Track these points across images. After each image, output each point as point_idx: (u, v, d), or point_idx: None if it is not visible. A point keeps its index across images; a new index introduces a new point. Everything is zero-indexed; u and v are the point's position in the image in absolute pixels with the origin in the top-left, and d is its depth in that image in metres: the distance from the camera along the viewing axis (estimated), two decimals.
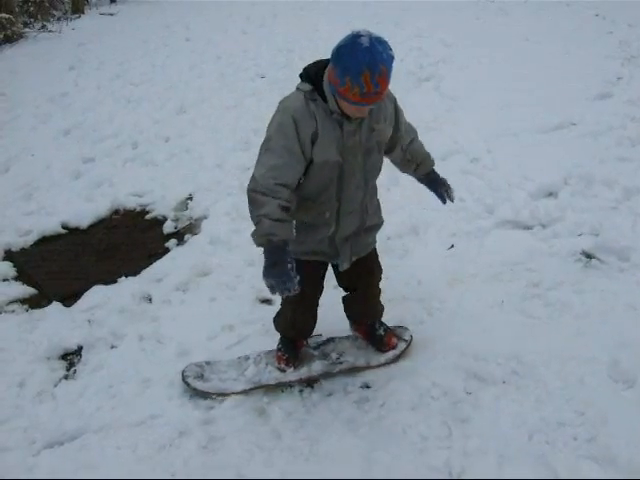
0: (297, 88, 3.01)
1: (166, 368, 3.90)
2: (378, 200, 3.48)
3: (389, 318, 3.87)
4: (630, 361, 3.45)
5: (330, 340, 3.95)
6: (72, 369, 4.10)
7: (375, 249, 3.61)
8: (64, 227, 6.03)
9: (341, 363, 3.74)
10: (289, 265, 2.82)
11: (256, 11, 16.15)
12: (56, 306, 4.77)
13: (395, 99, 3.22)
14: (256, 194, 2.94)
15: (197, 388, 3.63)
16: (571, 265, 4.45)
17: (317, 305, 3.65)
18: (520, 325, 3.90)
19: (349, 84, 2.67)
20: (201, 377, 3.70)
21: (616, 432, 3.06)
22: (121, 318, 4.48)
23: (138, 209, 6.30)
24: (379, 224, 3.51)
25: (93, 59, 12.66)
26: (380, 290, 3.75)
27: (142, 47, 13.26)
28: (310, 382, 3.68)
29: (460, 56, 10.01)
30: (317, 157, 2.97)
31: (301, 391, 3.63)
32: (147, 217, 6.13)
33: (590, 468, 2.91)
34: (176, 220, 5.95)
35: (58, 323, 4.51)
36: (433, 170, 3.65)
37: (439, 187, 3.62)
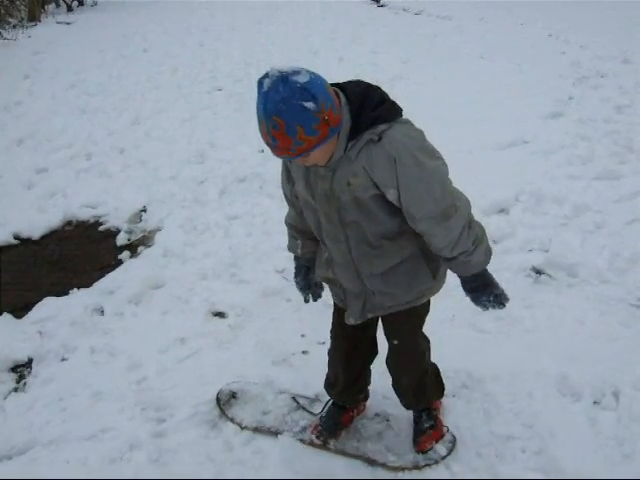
0: None
1: (117, 381, 3.87)
2: (404, 275, 2.71)
3: None
4: (578, 375, 3.52)
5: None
6: (22, 382, 4.05)
7: (413, 323, 3.00)
8: (16, 238, 5.95)
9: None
10: None
11: (214, 24, 16.14)
12: (6, 317, 4.71)
13: (396, 158, 2.33)
14: None
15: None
16: (521, 280, 4.52)
17: (351, 360, 3.17)
18: (470, 339, 3.95)
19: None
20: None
21: (564, 445, 3.12)
22: (72, 330, 4.43)
23: (91, 220, 6.24)
24: (397, 298, 2.78)
25: (48, 68, 12.52)
26: (418, 381, 3.13)
27: (99, 57, 13.16)
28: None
29: (416, 73, 10.13)
30: (295, 186, 2.70)
31: None
32: (100, 229, 6.08)
33: None
34: (129, 232, 5.91)
35: (8, 335, 4.44)
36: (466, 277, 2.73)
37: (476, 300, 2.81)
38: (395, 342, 3.03)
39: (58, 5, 23.34)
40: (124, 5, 21.26)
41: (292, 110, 2.14)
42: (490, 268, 4.46)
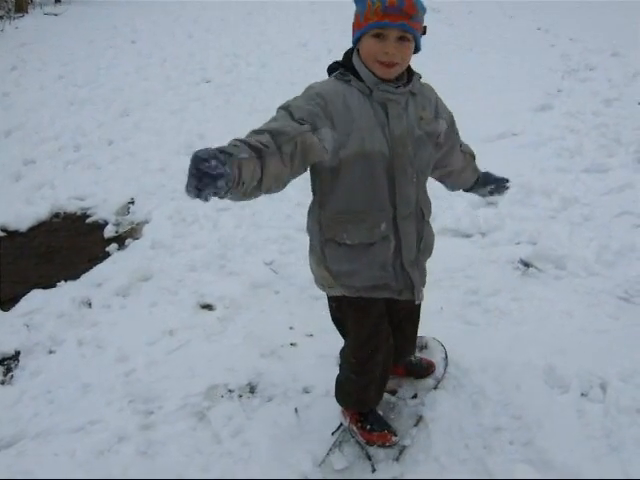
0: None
1: (105, 373, 3.86)
2: (430, 203, 2.90)
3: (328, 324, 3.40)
4: (565, 367, 3.52)
5: None
6: (9, 374, 4.03)
7: None
8: (3, 230, 5.92)
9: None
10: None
11: (204, 15, 16.07)
12: None
13: (437, 96, 2.86)
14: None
15: None
16: (509, 273, 4.53)
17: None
18: (458, 331, 3.95)
19: (369, 2, 2.35)
20: None
21: (551, 436, 3.12)
22: (60, 323, 4.41)
23: (79, 213, 6.22)
24: (433, 236, 2.95)
25: (36, 59, 12.44)
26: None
27: (87, 48, 13.08)
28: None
29: None
30: (350, 148, 2.43)
31: (240, 396, 3.62)
32: (88, 221, 6.06)
33: (526, 471, 2.96)
34: (117, 224, 5.89)
35: None
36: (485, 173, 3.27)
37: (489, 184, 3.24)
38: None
39: None
40: None
41: None
42: (478, 259, 4.51)
